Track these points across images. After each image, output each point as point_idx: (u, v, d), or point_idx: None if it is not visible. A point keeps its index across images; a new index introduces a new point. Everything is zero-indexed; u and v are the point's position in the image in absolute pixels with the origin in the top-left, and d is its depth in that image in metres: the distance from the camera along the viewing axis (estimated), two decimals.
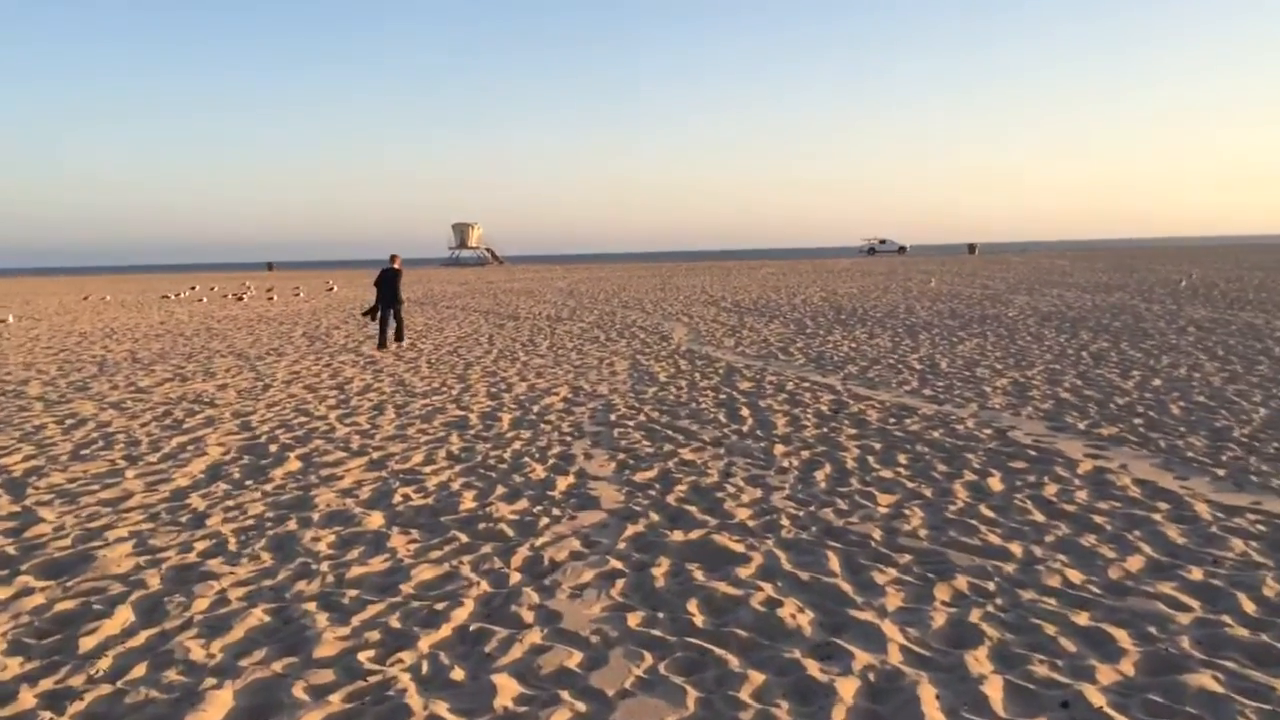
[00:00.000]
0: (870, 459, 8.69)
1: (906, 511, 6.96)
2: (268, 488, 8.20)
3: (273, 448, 9.85)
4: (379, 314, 19.63)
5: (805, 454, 8.96)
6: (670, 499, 7.51)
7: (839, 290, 38.54)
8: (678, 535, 6.54)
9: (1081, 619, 4.98)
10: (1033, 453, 8.75)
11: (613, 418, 11.13)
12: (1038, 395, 11.87)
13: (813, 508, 7.16)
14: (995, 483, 7.73)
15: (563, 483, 8.14)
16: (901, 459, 8.65)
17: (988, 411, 10.92)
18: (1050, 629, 4.87)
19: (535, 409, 11.89)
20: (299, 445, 9.96)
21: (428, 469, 8.78)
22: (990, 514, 6.86)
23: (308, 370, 16.36)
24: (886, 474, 8.11)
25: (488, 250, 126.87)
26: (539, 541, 6.52)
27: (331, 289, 54.57)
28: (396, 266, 19.99)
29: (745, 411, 11.29)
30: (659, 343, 19.67)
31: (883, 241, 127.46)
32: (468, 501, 7.61)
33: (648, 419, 11.00)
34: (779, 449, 9.20)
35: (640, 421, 10.85)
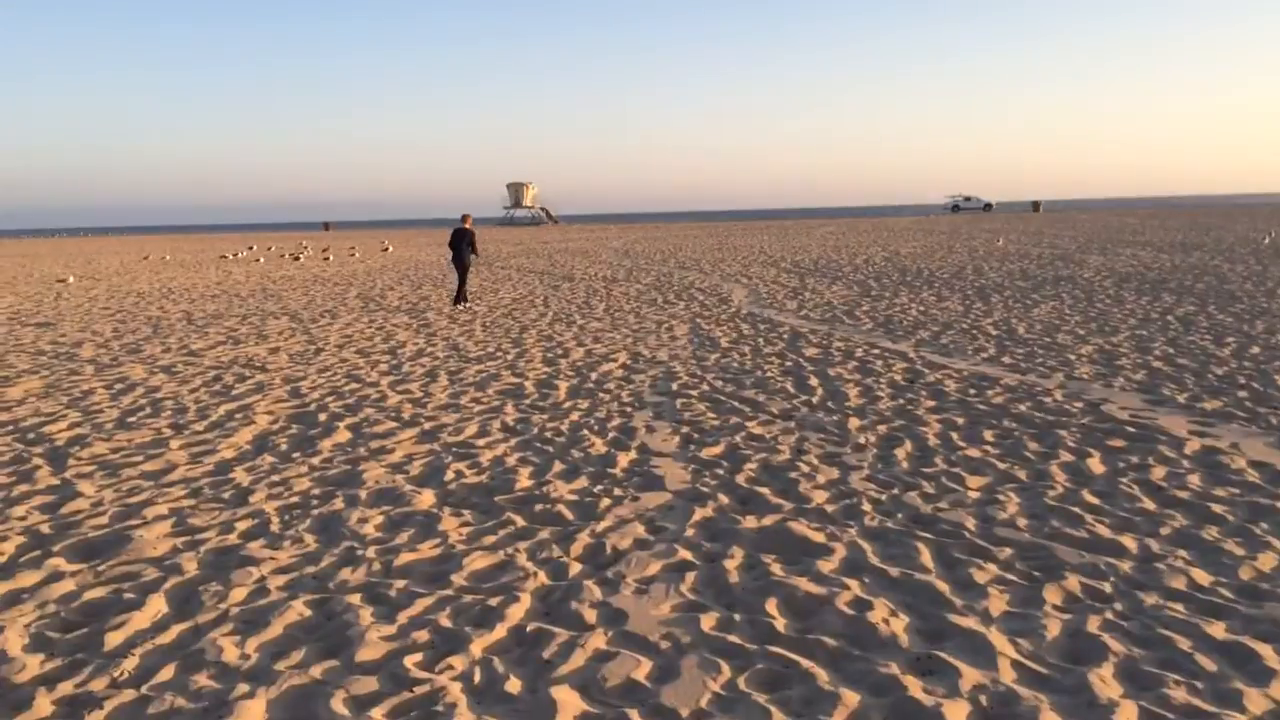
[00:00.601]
0: (954, 435, 8.08)
1: (1001, 497, 6.36)
2: (315, 461, 7.81)
3: (322, 417, 9.48)
4: (457, 272, 20.23)
5: (882, 429, 8.36)
6: (740, 479, 6.98)
7: (902, 250, 37.53)
8: (750, 521, 6.02)
9: (1217, 630, 4.38)
10: (1131, 429, 8.07)
11: (674, 387, 10.61)
12: (1128, 364, 11.12)
13: (896, 491, 6.59)
14: (1095, 464, 7.08)
15: (624, 459, 7.65)
16: (988, 436, 8.03)
17: (1075, 382, 10.22)
18: (1183, 643, 4.27)
19: (593, 376, 11.41)
20: (349, 414, 9.58)
21: (481, 442, 8.34)
22: (1095, 501, 6.24)
23: (360, 334, 16.03)
24: (973, 453, 7.50)
25: (542, 209, 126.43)
26: (600, 526, 6.03)
27: (387, 249, 54.52)
28: (468, 226, 20.22)
29: (814, 381, 10.69)
30: (718, 305, 19.07)
31: (967, 199, 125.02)
32: (524, 479, 7.15)
33: (711, 388, 10.46)
34: (853, 423, 8.62)
35: (704, 391, 10.31)
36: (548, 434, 8.56)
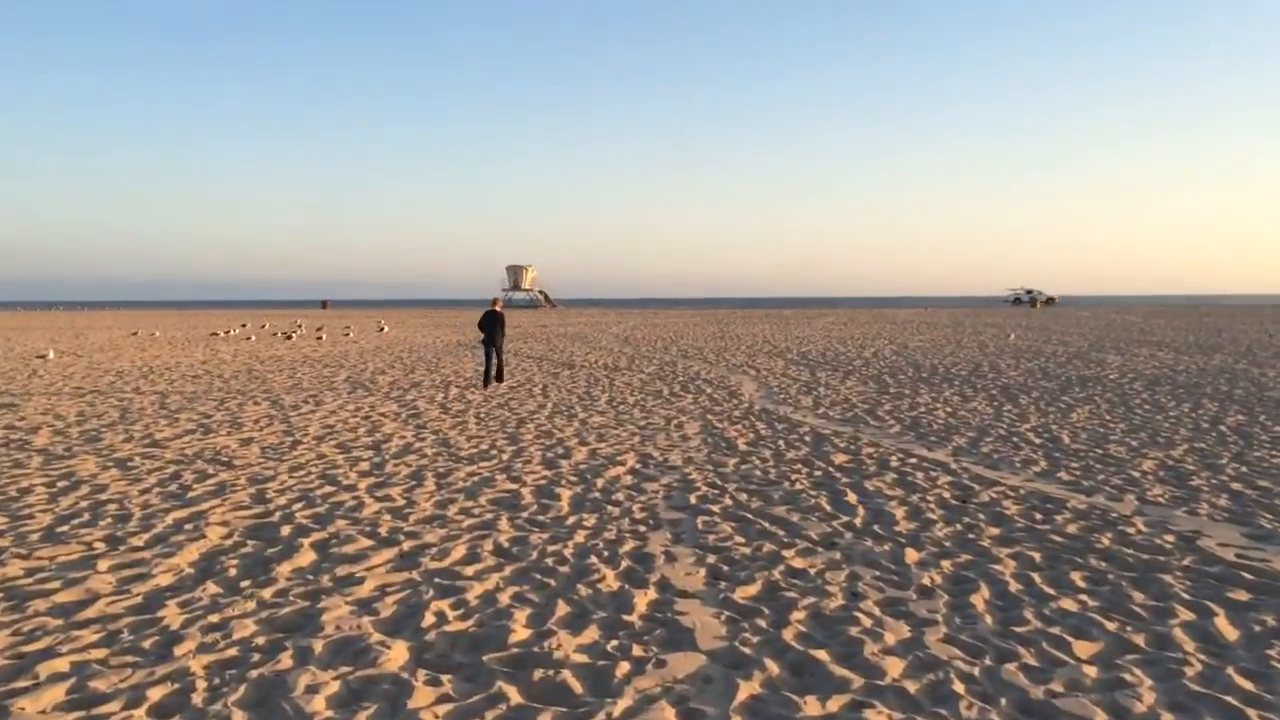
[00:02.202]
0: (1035, 577, 6.75)
1: (1126, 675, 5.02)
2: (267, 593, 6.44)
3: (285, 530, 8.13)
4: (484, 352, 20.64)
5: (947, 565, 7.04)
6: (788, 635, 5.64)
7: (909, 343, 36.45)
8: (812, 706, 4.67)
9: None
10: (1248, 575, 6.75)
11: (692, 499, 9.30)
12: (1203, 486, 9.84)
13: (989, 660, 5.25)
14: (1225, 626, 5.76)
15: (641, 600, 6.30)
16: (1077, 579, 6.70)
17: (1153, 507, 8.92)
18: None
19: (599, 483, 10.10)
20: (317, 528, 8.23)
21: (470, 570, 6.99)
22: (1248, 686, 4.90)
23: (344, 424, 14.72)
24: (1068, 604, 6.17)
25: (541, 293, 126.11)
26: (618, 709, 4.68)
27: (382, 329, 53.43)
28: (498, 309, 20.75)
29: (851, 496, 9.39)
30: (728, 400, 17.82)
31: (1029, 292, 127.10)
32: (520, 627, 5.80)
33: (735, 503, 9.14)
34: (910, 555, 7.29)
35: (726, 507, 8.99)
36: (549, 561, 7.22)
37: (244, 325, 60.04)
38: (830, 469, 10.85)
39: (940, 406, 16.57)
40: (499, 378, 20.88)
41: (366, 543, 7.74)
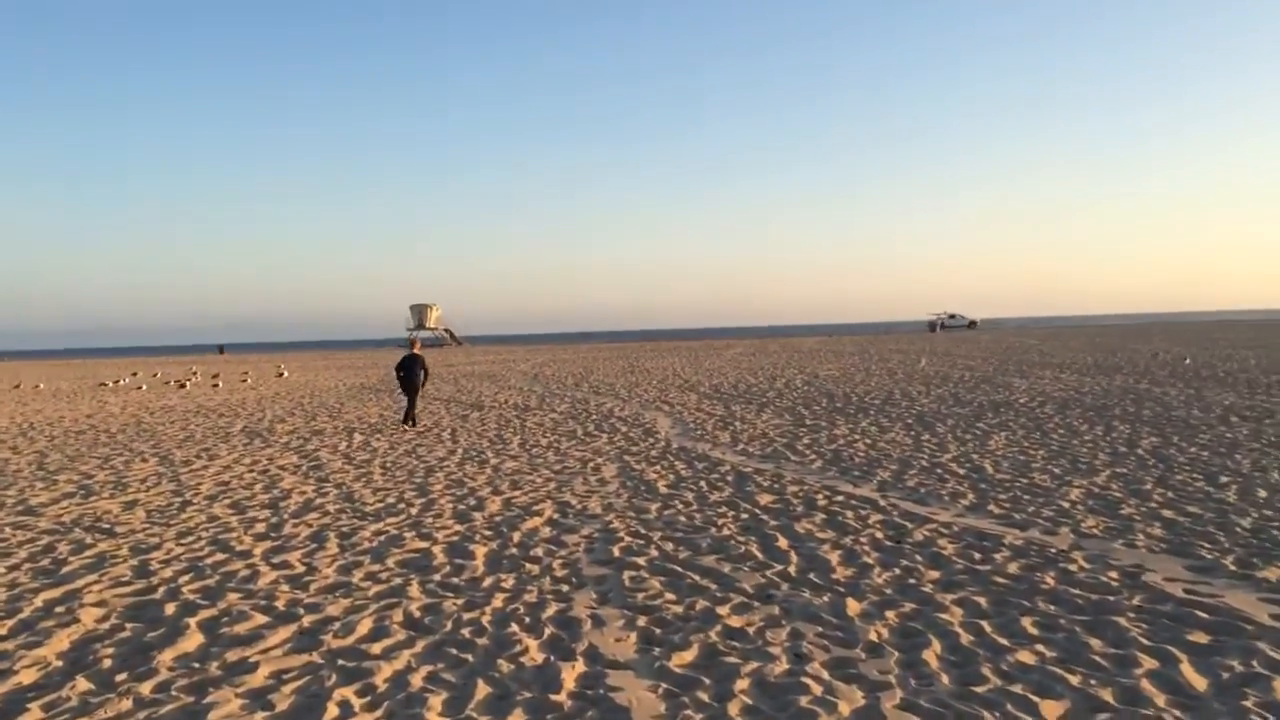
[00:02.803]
0: (985, 626, 6.38)
1: None
2: (146, 688, 5.70)
3: (170, 609, 7.35)
4: (406, 394, 20.79)
5: (892, 616, 6.63)
6: (733, 709, 5.14)
7: (819, 372, 36.54)
8: None
9: None
10: (1202, 614, 6.48)
11: (616, 551, 8.76)
12: (1135, 515, 9.67)
13: None
14: (1191, 673, 5.44)
15: (569, 674, 5.74)
16: (1029, 626, 6.35)
17: (1089, 539, 8.68)
18: None
19: (516, 537, 9.49)
20: (205, 604, 7.47)
21: (378, 647, 6.34)
22: None
23: (239, 479, 13.82)
24: (1025, 657, 5.79)
25: (446, 331, 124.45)
26: None
27: (282, 374, 51.78)
28: (417, 351, 20.94)
29: (782, 541, 8.96)
30: (645, 438, 17.34)
31: (952, 316, 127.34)
32: (435, 716, 5.18)
33: (661, 554, 8.64)
34: (852, 606, 6.87)
35: (653, 558, 8.48)
36: (465, 631, 6.60)
37: (135, 374, 57.62)
38: (757, 511, 10.42)
39: (859, 438, 16.35)
40: (410, 421, 20.63)
41: (261, 619, 7.02)
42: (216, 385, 41.49)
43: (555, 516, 10.49)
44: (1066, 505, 10.22)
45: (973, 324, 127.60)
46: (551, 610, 7.03)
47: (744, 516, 10.16)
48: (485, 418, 22.28)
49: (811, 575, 7.75)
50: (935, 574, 7.68)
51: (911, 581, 7.49)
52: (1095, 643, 5.99)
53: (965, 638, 6.17)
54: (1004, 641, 6.08)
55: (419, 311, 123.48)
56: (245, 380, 45.77)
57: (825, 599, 7.08)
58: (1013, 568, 7.79)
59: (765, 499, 11.09)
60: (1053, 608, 6.73)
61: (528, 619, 6.84)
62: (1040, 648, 5.94)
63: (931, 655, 5.86)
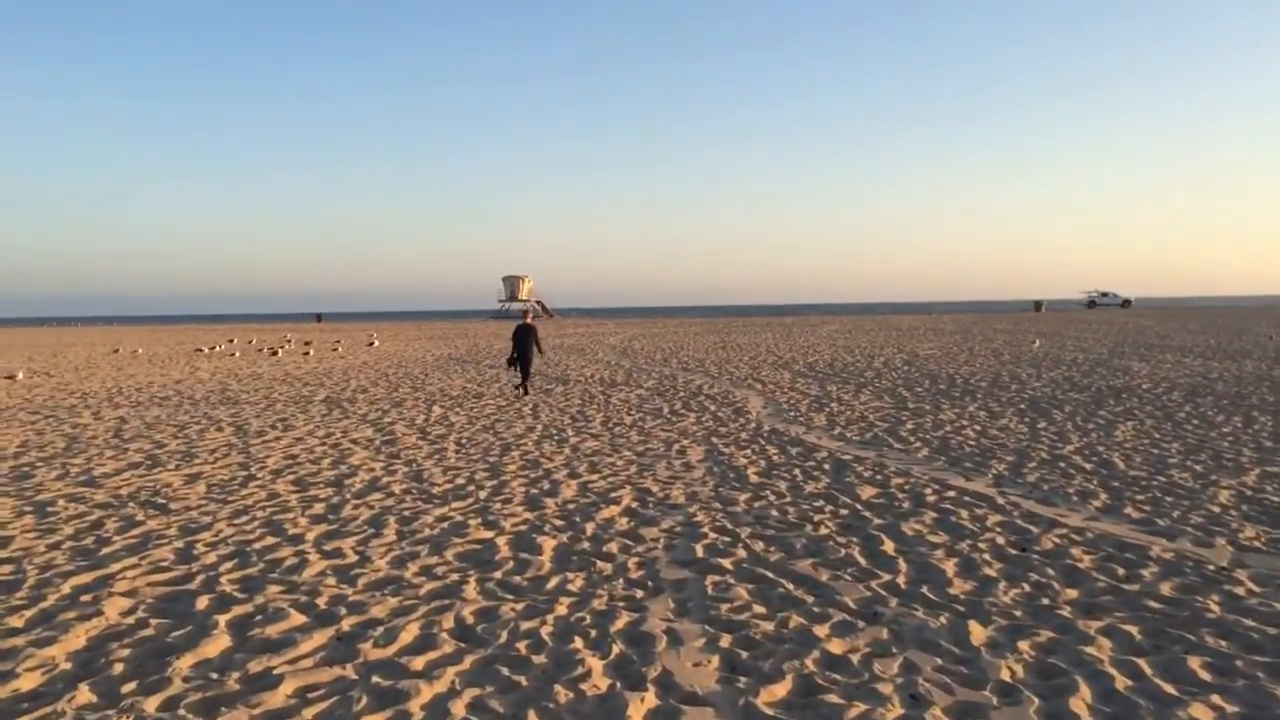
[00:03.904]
0: (1143, 665, 5.26)
1: None
2: (151, 705, 4.95)
3: (202, 602, 6.63)
4: (520, 365, 21.10)
5: (1025, 648, 5.54)
6: None
7: (919, 352, 34.95)
8: None
9: None
10: None
11: (699, 550, 7.80)
12: None
13: None
14: None
15: (637, 710, 4.82)
16: (1198, 668, 5.21)
17: (1252, 555, 7.42)
18: None
19: (589, 529, 8.61)
20: (242, 597, 6.74)
21: (420, 661, 5.50)
22: None
23: (309, 453, 13.22)
24: (1201, 713, 4.67)
25: (538, 303, 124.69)
26: None
27: (372, 343, 51.96)
28: (529, 322, 21.36)
29: (888, 544, 7.89)
30: (734, 418, 16.33)
31: (1104, 294, 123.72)
32: None
33: (750, 555, 7.65)
34: (975, 631, 5.80)
35: (740, 561, 7.50)
36: (520, 645, 5.72)
37: (231, 341, 58.56)
38: (858, 506, 9.36)
39: (967, 424, 15.07)
40: (525, 390, 21.21)
41: (298, 619, 6.25)
42: (308, 353, 41.66)
43: (634, 506, 9.58)
44: (1217, 510, 8.92)
45: (1127, 303, 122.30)
46: (622, 622, 6.11)
47: (843, 512, 9.10)
48: (569, 393, 21.49)
49: (924, 589, 6.68)
50: (1073, 593, 6.55)
51: (1045, 602, 6.38)
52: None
53: (1120, 681, 5.06)
54: (1169, 689, 4.95)
55: (511, 283, 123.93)
56: (336, 349, 45.94)
57: (943, 620, 6.02)
58: (1165, 588, 6.61)
59: (867, 492, 10.00)
60: (1223, 644, 5.56)
61: (594, 632, 5.93)
62: (1217, 699, 4.81)
63: (1081, 705, 4.78)
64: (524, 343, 20.98)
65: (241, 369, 32.01)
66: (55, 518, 9.41)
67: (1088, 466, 11.25)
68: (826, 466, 11.56)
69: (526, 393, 21.26)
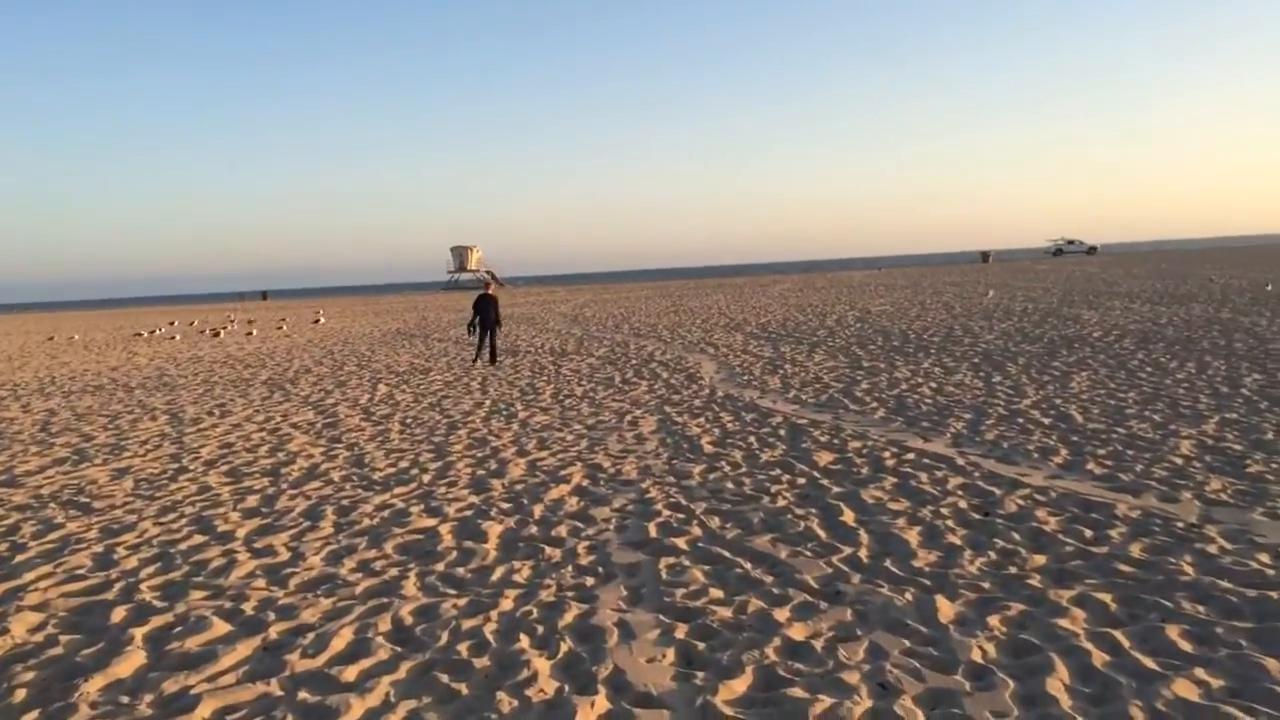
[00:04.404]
0: (1120, 638, 4.99)
1: None
2: None
3: (119, 613, 6.16)
4: (478, 333, 21.35)
5: (996, 624, 5.25)
6: None
7: (871, 308, 34.85)
8: None
9: None
10: None
11: (652, 530, 7.45)
12: (1266, 473, 8.15)
13: None
14: None
15: (587, 716, 4.45)
16: (1176, 637, 4.95)
17: (1220, 509, 7.21)
18: None
19: (537, 511, 8.21)
20: (162, 606, 6.26)
21: (353, 671, 5.09)
22: None
23: (245, 440, 12.67)
24: (1185, 690, 4.40)
25: (488, 273, 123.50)
26: None
27: (318, 321, 50.95)
28: (491, 292, 21.22)
29: (848, 514, 7.59)
30: (687, 384, 15.98)
31: (1070, 242, 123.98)
32: None
33: (706, 532, 7.31)
34: (943, 607, 5.50)
35: (695, 539, 7.15)
36: (462, 648, 5.33)
37: (172, 323, 57.18)
38: (815, 474, 9.05)
39: (923, 382, 14.85)
40: (491, 359, 21.33)
41: (222, 628, 5.80)
42: (251, 333, 40.70)
43: (584, 484, 9.20)
44: (1179, 462, 8.72)
45: (1092, 250, 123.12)
46: (571, 615, 5.74)
47: (801, 482, 8.79)
48: (519, 364, 21.02)
49: (888, 562, 6.38)
50: (1040, 559, 6.28)
51: (1013, 570, 6.10)
52: (1272, 665, 4.57)
53: (1098, 656, 4.78)
54: (1149, 663, 4.68)
55: (460, 253, 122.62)
56: (281, 327, 44.98)
57: (909, 597, 5.72)
58: (1136, 550, 6.36)
59: (824, 458, 9.70)
60: (1201, 610, 5.31)
61: (541, 628, 5.55)
62: (1201, 673, 4.54)
63: (1058, 685, 4.49)
64: (484, 312, 21.05)
65: (181, 352, 31.12)
66: None
67: (1046, 421, 11.04)
68: (782, 432, 11.25)
69: (491, 362, 21.35)
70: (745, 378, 16.58)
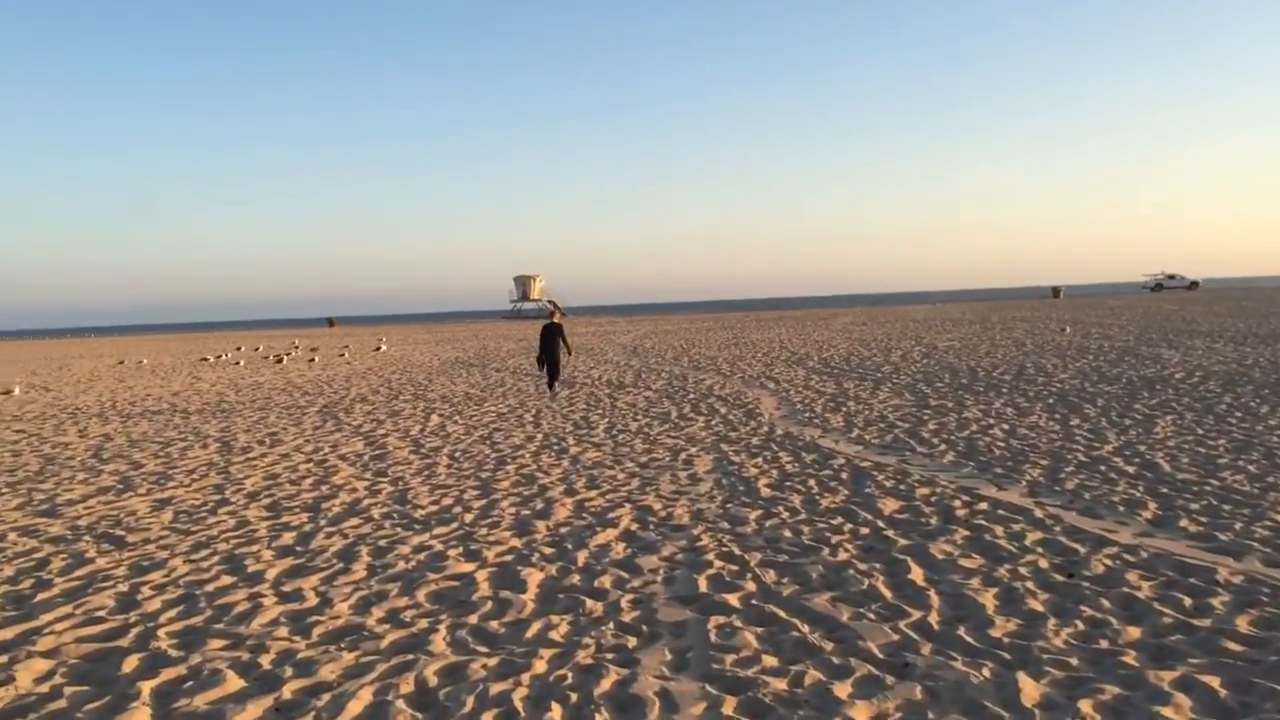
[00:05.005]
0: None
1: None
2: None
3: (130, 664, 5.77)
4: (544, 363, 21.10)
5: (1090, 711, 4.62)
6: None
7: (938, 344, 33.93)
8: None
9: None
10: None
11: (702, 584, 6.91)
12: None
13: None
14: None
15: None
16: None
17: None
18: None
19: (581, 558, 7.72)
20: (177, 655, 5.87)
21: None
22: None
23: (291, 471, 12.38)
24: None
25: (550, 302, 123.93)
26: None
27: (380, 348, 51.21)
28: (557, 320, 21.39)
29: (915, 571, 6.98)
30: (746, 421, 15.42)
31: (1170, 277, 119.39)
32: None
33: (760, 588, 6.75)
34: (1027, 688, 4.88)
35: (749, 596, 6.60)
36: (486, 718, 4.83)
37: (239, 349, 57.94)
38: (879, 524, 8.44)
39: (995, 423, 14.12)
40: (549, 386, 21.31)
41: (234, 684, 5.38)
42: (313, 360, 40.94)
43: (633, 528, 8.69)
44: None
45: (1194, 285, 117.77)
46: (609, 681, 5.22)
47: (864, 531, 8.19)
48: (574, 396, 20.60)
49: (961, 630, 5.76)
50: (1135, 631, 5.62)
51: (1104, 645, 5.45)
52: None
53: None
54: None
55: (523, 283, 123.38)
56: (343, 355, 45.23)
57: (986, 673, 5.11)
58: (1243, 623, 5.68)
59: (889, 506, 9.08)
60: None
61: (575, 696, 5.04)
62: None
63: None
64: (550, 341, 21.06)
65: (243, 378, 31.27)
66: (2, 553, 8.58)
67: (1130, 470, 10.30)
68: (844, 476, 10.64)
69: (549, 386, 21.31)
70: (806, 415, 15.97)
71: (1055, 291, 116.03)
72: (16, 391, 29.03)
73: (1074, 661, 5.23)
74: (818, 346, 35.48)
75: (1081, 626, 5.75)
